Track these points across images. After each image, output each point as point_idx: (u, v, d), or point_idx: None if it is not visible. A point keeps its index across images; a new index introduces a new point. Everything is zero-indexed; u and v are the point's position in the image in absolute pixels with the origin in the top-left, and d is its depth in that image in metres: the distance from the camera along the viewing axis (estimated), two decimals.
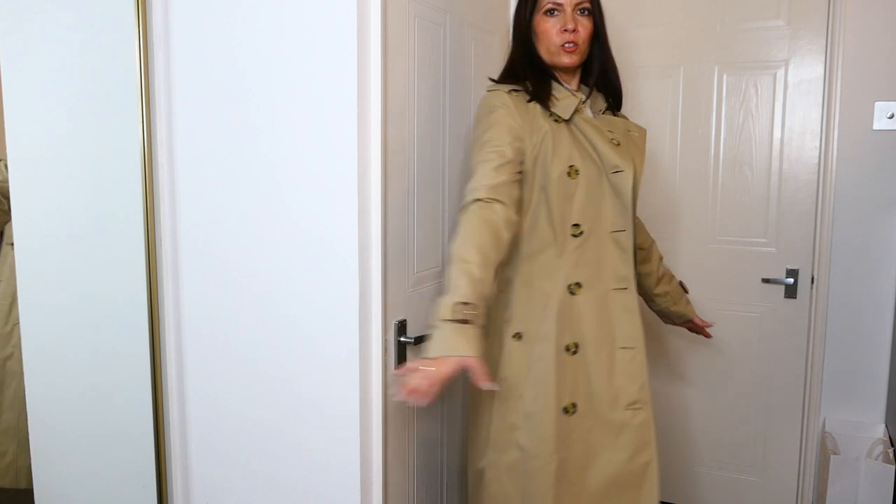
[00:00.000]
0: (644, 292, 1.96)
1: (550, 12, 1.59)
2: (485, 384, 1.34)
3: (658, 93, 2.53)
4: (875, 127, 2.26)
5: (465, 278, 1.37)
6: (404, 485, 1.67)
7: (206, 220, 1.55)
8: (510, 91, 1.57)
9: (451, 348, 1.31)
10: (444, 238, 1.79)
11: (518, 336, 1.59)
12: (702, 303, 2.53)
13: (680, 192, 2.55)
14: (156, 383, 1.63)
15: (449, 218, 1.80)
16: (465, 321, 1.33)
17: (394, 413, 1.60)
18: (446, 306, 1.34)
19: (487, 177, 1.48)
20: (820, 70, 2.34)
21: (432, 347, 1.33)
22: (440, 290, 1.78)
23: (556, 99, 1.60)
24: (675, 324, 2.05)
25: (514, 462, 1.58)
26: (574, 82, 1.67)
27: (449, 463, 1.90)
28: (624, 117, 1.75)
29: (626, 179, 1.57)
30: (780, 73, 2.39)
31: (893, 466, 2.07)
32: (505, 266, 1.62)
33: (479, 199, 1.46)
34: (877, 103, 2.25)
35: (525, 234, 1.60)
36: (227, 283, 1.55)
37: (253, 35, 1.45)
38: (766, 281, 2.47)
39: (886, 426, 2.32)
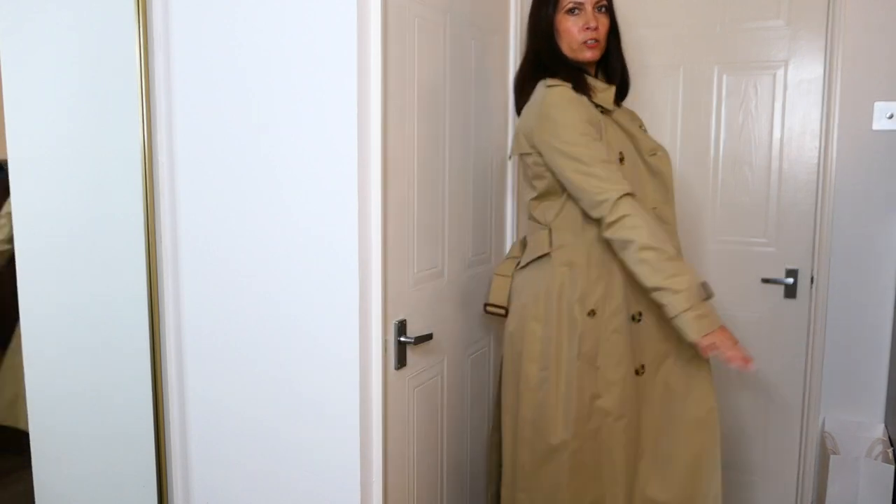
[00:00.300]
0: None
1: (572, 11, 1.70)
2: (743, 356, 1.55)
3: (658, 93, 2.53)
4: (875, 127, 2.26)
5: (682, 262, 1.58)
6: (404, 485, 1.67)
7: (207, 219, 1.55)
8: (563, 88, 1.67)
9: (716, 320, 1.56)
10: (445, 238, 1.79)
11: (592, 313, 1.69)
12: None
13: (680, 192, 2.55)
14: (156, 383, 1.63)
15: (449, 218, 1.80)
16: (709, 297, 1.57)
17: (394, 413, 1.60)
18: (696, 288, 1.55)
19: (615, 171, 1.61)
20: (820, 70, 2.34)
21: (709, 322, 1.55)
22: (440, 290, 1.78)
23: (596, 91, 1.71)
24: None
25: (597, 427, 1.70)
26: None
27: (449, 463, 1.90)
28: (626, 108, 1.85)
29: (664, 160, 1.76)
30: (780, 73, 2.39)
31: (893, 466, 2.07)
32: (551, 251, 1.73)
33: (628, 193, 1.59)
34: (876, 103, 2.25)
35: (584, 218, 1.69)
36: (227, 283, 1.55)
37: (253, 35, 1.45)
38: (765, 281, 2.47)
39: (886, 426, 2.32)
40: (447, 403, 1.87)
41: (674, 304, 1.55)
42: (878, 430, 2.33)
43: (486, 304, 1.88)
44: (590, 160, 1.60)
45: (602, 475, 1.72)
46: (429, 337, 1.66)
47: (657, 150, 1.75)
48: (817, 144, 2.37)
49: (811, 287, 2.40)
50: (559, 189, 1.71)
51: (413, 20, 1.57)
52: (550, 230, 1.74)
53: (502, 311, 1.84)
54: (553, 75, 1.70)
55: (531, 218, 1.82)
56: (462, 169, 1.86)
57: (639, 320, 1.72)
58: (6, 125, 1.66)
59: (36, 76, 1.63)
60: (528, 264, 1.78)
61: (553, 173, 1.68)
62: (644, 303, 1.71)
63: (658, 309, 1.65)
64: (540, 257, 1.74)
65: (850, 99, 2.27)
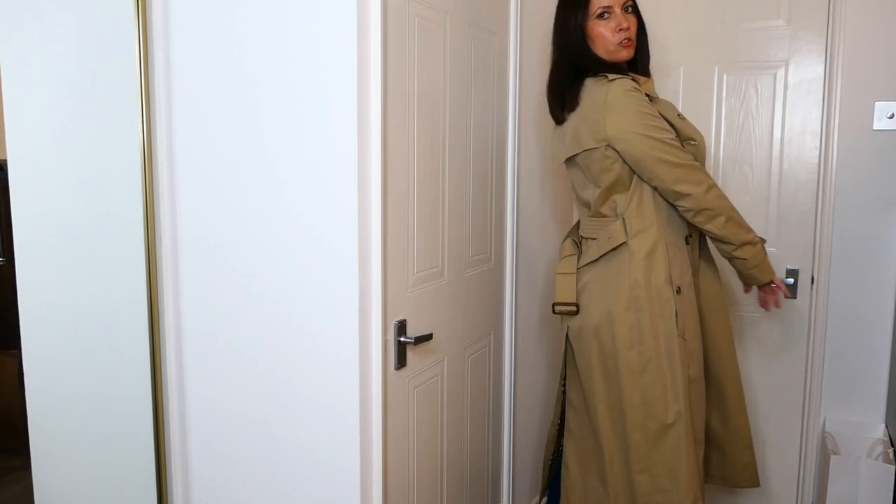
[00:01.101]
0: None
1: (602, 16, 1.80)
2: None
3: (658, 93, 2.53)
4: (875, 127, 2.26)
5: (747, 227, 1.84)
6: (404, 485, 1.67)
7: (206, 219, 1.55)
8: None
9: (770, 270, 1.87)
10: (445, 238, 1.79)
11: (678, 290, 1.82)
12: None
13: None
14: (156, 383, 1.63)
15: (449, 218, 1.80)
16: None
17: (394, 413, 1.60)
18: (760, 244, 1.85)
19: (698, 168, 1.80)
20: (820, 70, 2.34)
21: (770, 269, 1.88)
22: (440, 290, 1.78)
23: (640, 83, 1.82)
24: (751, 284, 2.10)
25: (695, 397, 1.86)
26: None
27: (449, 463, 1.90)
28: None
29: (700, 148, 1.86)
30: (781, 72, 2.39)
31: (893, 466, 2.07)
32: (632, 236, 1.84)
33: (714, 186, 1.80)
34: (877, 103, 2.25)
35: (657, 199, 1.82)
36: (226, 282, 1.55)
37: (252, 35, 1.45)
38: None
39: (886, 426, 2.32)
40: (447, 403, 1.87)
41: (755, 253, 1.84)
42: (879, 431, 2.33)
43: (554, 304, 1.92)
44: (670, 141, 1.76)
45: (698, 436, 1.88)
46: (429, 337, 1.66)
47: (695, 136, 1.85)
48: (818, 144, 2.36)
49: (812, 287, 2.40)
50: (628, 178, 1.81)
51: (413, 20, 1.57)
52: (624, 220, 1.81)
53: (573, 309, 1.88)
54: (597, 73, 1.78)
55: (596, 214, 1.88)
56: (462, 169, 1.86)
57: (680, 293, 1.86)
58: (6, 125, 1.66)
59: (36, 76, 1.63)
60: (600, 258, 1.84)
61: (623, 162, 1.78)
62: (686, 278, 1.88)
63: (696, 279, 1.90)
64: (615, 248, 1.81)
65: (851, 99, 2.27)
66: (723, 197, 1.80)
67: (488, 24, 1.97)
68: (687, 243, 1.88)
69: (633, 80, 1.79)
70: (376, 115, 1.43)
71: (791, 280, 2.43)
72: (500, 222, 2.15)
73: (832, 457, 2.14)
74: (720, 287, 1.99)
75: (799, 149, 2.39)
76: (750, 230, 1.83)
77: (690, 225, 1.87)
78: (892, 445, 2.20)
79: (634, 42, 1.84)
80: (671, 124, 1.81)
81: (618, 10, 1.80)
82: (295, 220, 1.46)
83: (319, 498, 1.52)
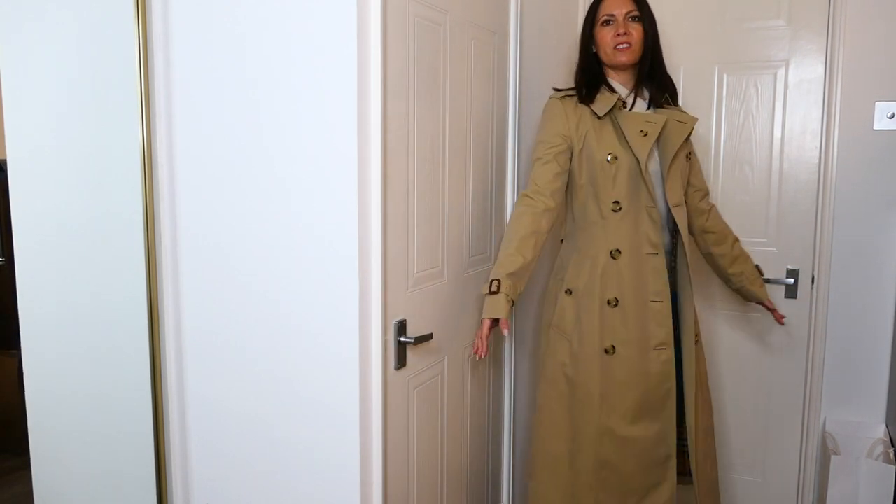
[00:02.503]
0: (720, 272, 2.21)
1: (606, 22, 1.92)
2: (504, 331, 1.76)
3: None
4: (875, 127, 2.26)
5: (500, 260, 1.82)
6: (404, 485, 1.67)
7: (206, 219, 1.55)
8: (562, 97, 1.94)
9: (487, 312, 1.77)
10: (445, 238, 1.79)
11: (569, 292, 1.93)
12: (702, 303, 2.52)
13: None
14: (155, 383, 1.63)
15: (449, 218, 1.80)
16: (495, 292, 1.77)
17: (394, 413, 1.60)
18: (486, 283, 1.80)
19: (538, 173, 1.90)
20: (820, 70, 2.34)
21: (490, 310, 1.77)
22: (440, 290, 1.78)
23: (599, 99, 1.92)
24: (751, 301, 2.22)
25: (562, 392, 1.94)
26: (629, 81, 1.96)
27: (449, 463, 1.89)
28: (680, 109, 2.01)
29: (629, 164, 1.89)
30: (781, 72, 2.39)
31: (894, 467, 2.07)
32: (563, 238, 2.04)
33: (526, 194, 1.88)
34: (877, 103, 2.25)
35: (578, 210, 1.96)
36: (226, 282, 1.55)
37: (252, 35, 1.45)
38: (766, 281, 2.46)
39: (887, 426, 2.32)
40: (447, 403, 1.87)
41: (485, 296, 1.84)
42: (879, 431, 2.33)
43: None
44: (534, 158, 1.92)
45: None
46: (429, 337, 1.66)
47: (639, 155, 1.86)
48: (818, 144, 2.36)
49: (812, 287, 2.40)
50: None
51: (413, 20, 1.57)
52: None
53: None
54: (595, 78, 1.95)
55: None
56: (462, 169, 1.86)
57: (615, 305, 1.93)
58: (6, 125, 1.66)
59: (36, 76, 1.63)
60: None
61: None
62: (626, 292, 1.93)
63: (641, 298, 1.92)
64: None
65: (851, 98, 2.27)
66: (513, 222, 1.86)
67: (488, 24, 1.97)
68: (613, 257, 1.92)
69: (595, 95, 1.92)
70: (376, 114, 1.43)
71: (791, 280, 2.43)
72: (500, 222, 2.15)
73: (832, 457, 2.14)
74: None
75: (799, 149, 2.39)
76: (497, 268, 1.79)
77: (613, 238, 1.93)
78: (893, 445, 2.20)
79: (635, 49, 1.91)
80: (627, 138, 1.86)
81: (620, 18, 1.90)
82: (295, 220, 1.46)
83: (319, 498, 1.52)
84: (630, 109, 1.94)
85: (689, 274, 1.94)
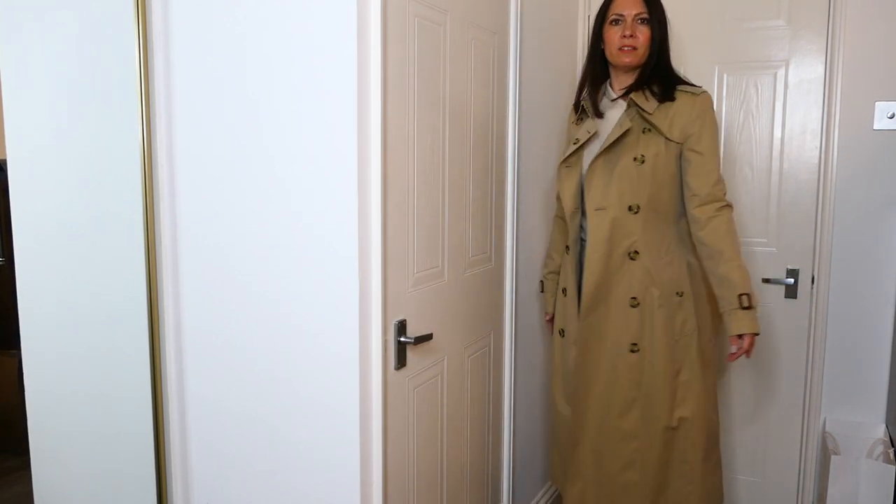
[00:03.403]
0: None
1: (615, 22, 1.96)
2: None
3: None
4: (875, 127, 2.26)
5: (742, 272, 1.91)
6: (404, 485, 1.67)
7: (206, 219, 1.55)
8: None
9: (753, 326, 1.89)
10: (445, 238, 1.79)
11: (564, 291, 2.14)
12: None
13: None
14: (155, 383, 1.63)
15: (449, 218, 1.80)
16: (748, 307, 1.89)
17: (394, 413, 1.60)
18: (730, 299, 1.90)
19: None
20: (820, 70, 2.34)
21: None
22: (440, 290, 1.78)
23: (580, 121, 2.08)
24: None
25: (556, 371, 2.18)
26: (627, 82, 2.01)
27: (449, 463, 1.89)
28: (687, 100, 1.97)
29: (579, 169, 2.04)
30: (781, 72, 2.39)
31: (894, 467, 2.07)
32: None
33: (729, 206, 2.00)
34: (877, 103, 2.25)
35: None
36: (226, 282, 1.55)
37: (252, 35, 1.45)
38: (766, 281, 2.47)
39: (887, 426, 2.32)
40: (447, 403, 1.86)
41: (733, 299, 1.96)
42: (879, 431, 2.33)
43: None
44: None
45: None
46: (429, 337, 1.66)
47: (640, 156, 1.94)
48: (818, 144, 2.36)
49: (812, 287, 2.40)
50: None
51: (413, 20, 1.57)
52: None
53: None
54: (600, 76, 2.05)
55: None
56: (462, 169, 1.86)
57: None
58: (6, 125, 1.66)
59: (36, 76, 1.63)
60: None
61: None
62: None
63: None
64: None
65: (851, 98, 2.27)
66: (735, 233, 1.96)
67: (488, 24, 1.97)
68: (567, 252, 2.10)
69: (594, 92, 2.05)
70: (376, 114, 1.43)
71: (791, 280, 2.43)
72: (500, 222, 2.15)
73: (832, 457, 2.14)
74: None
75: (799, 149, 2.39)
76: (745, 281, 1.91)
77: (569, 236, 2.09)
78: (893, 445, 2.20)
79: (640, 51, 1.94)
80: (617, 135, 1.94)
81: (629, 19, 1.93)
82: (295, 220, 1.46)
83: (319, 497, 1.52)
84: (603, 116, 2.03)
85: (599, 275, 1.97)
